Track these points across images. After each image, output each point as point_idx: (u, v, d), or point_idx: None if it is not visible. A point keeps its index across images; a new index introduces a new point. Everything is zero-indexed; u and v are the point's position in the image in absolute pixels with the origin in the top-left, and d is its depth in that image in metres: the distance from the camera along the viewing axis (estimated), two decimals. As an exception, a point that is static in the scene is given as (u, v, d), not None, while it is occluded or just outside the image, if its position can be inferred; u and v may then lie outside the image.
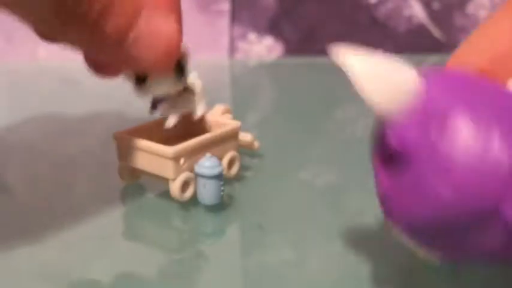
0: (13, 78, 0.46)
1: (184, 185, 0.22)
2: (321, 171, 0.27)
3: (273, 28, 0.56)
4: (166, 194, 0.22)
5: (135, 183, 0.24)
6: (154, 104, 0.22)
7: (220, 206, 0.22)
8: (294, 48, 0.56)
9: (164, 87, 0.21)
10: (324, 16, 0.56)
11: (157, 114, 0.23)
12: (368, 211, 0.23)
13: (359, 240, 0.20)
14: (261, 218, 0.22)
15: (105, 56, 0.20)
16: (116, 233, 0.21)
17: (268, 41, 0.56)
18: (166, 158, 0.21)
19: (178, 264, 0.19)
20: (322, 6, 0.55)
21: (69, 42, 0.19)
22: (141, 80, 0.21)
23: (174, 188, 0.22)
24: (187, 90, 0.22)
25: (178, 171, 0.22)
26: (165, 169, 0.22)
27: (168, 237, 0.21)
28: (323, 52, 0.57)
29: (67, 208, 0.23)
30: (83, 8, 0.17)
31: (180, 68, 0.21)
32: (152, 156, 0.22)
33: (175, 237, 0.22)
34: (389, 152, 0.12)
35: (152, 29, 0.19)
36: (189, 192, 0.22)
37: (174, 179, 0.22)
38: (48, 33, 0.18)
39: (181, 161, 0.22)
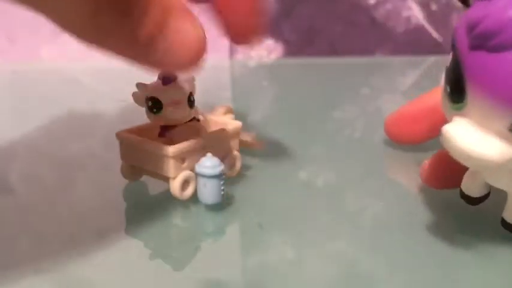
0: (16, 79, 0.46)
1: (185, 184, 0.22)
2: (321, 171, 0.27)
3: (273, 29, 0.56)
4: (167, 193, 0.22)
5: (137, 182, 0.24)
6: (163, 132, 0.23)
7: (221, 205, 0.22)
8: (293, 49, 0.56)
9: (178, 116, 0.22)
10: (324, 17, 0.56)
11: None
12: (368, 211, 0.23)
13: (359, 240, 0.20)
14: (261, 218, 0.22)
15: (137, 62, 0.21)
16: (118, 231, 0.21)
17: (268, 42, 0.56)
18: (166, 156, 0.21)
19: (178, 262, 0.19)
20: (321, 7, 0.55)
21: (105, 49, 0.19)
22: (155, 109, 0.22)
23: (174, 186, 0.22)
24: (194, 120, 0.23)
25: (178, 170, 0.22)
26: (166, 168, 0.22)
27: (169, 235, 0.21)
28: (323, 53, 0.57)
29: (70, 206, 0.23)
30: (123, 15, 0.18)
31: (190, 100, 0.23)
32: (153, 155, 0.22)
33: (175, 235, 0.22)
34: None
35: (182, 35, 0.19)
36: (189, 191, 0.22)
37: (174, 178, 0.22)
38: (86, 39, 0.18)
39: (182, 159, 0.22)
